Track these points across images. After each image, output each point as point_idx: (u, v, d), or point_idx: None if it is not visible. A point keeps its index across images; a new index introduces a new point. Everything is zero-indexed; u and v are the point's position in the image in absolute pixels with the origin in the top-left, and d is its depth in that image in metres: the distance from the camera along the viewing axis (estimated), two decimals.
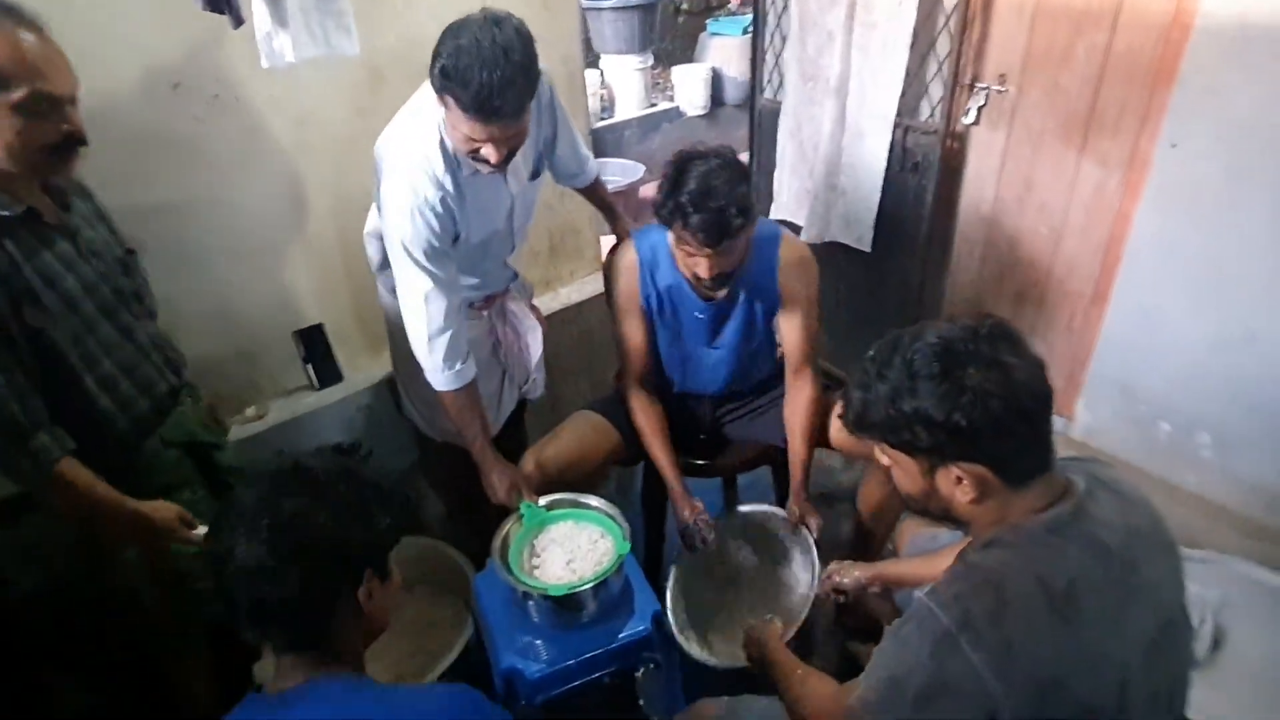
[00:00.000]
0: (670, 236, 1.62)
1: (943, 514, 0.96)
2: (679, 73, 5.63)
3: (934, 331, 0.90)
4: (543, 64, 1.59)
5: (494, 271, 1.84)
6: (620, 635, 1.51)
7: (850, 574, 1.54)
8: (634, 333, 1.83)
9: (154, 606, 1.38)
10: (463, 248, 1.65)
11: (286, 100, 1.80)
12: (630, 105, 5.41)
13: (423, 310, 1.57)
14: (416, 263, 1.53)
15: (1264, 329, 1.84)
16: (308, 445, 1.98)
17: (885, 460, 0.99)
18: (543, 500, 1.67)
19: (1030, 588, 0.85)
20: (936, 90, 2.28)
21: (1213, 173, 1.83)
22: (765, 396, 1.97)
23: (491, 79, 1.30)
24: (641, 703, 1.71)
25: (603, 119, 5.21)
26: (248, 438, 1.94)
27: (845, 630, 1.87)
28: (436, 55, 1.34)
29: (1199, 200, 1.87)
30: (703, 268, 1.59)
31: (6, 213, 1.17)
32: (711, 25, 5.83)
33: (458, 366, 1.63)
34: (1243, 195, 1.79)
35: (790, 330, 1.81)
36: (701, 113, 5.62)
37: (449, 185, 1.51)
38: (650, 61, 5.44)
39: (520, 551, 1.57)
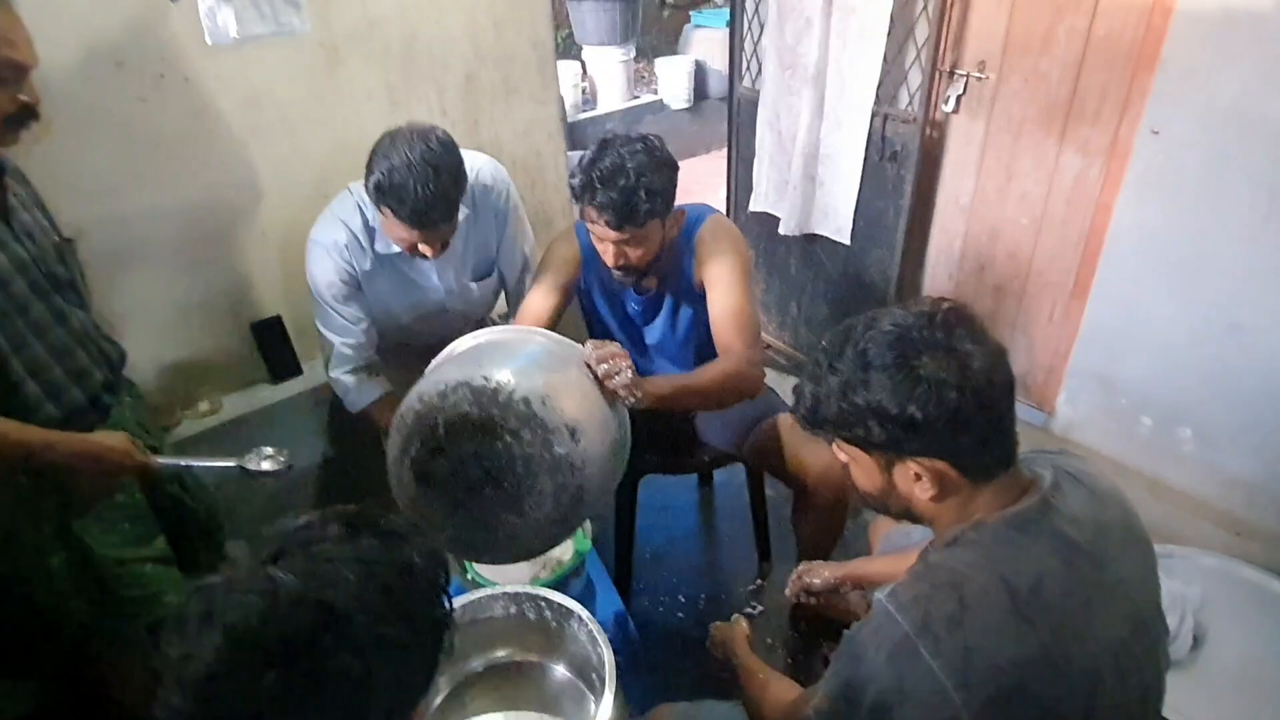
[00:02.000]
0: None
1: (903, 513, 0.91)
2: (662, 65, 5.57)
3: (888, 319, 0.85)
4: (494, 168, 1.78)
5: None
6: None
7: (820, 574, 1.49)
8: (535, 302, 1.66)
9: (82, 615, 1.31)
10: (391, 322, 1.79)
11: (236, 81, 1.73)
12: (613, 98, 5.35)
13: (327, 338, 1.72)
14: (315, 295, 1.68)
15: (1246, 319, 1.80)
16: (263, 441, 1.91)
17: (842, 457, 0.93)
18: None
19: (993, 589, 0.80)
20: (915, 78, 2.22)
21: (1195, 160, 1.78)
22: None
23: (426, 194, 1.43)
24: None
25: (584, 111, 5.15)
26: (200, 433, 1.87)
27: (816, 633, 1.81)
28: (369, 172, 1.47)
29: (1181, 189, 1.82)
30: (609, 254, 1.52)
31: None
32: (696, 17, 5.78)
33: (370, 389, 1.76)
34: (1225, 183, 1.75)
35: (710, 308, 1.62)
36: (685, 105, 5.57)
37: (360, 234, 1.65)
38: (632, 53, 5.38)
39: None
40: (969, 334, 0.82)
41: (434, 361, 1.41)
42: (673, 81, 5.52)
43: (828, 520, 1.69)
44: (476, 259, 1.81)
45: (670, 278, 1.68)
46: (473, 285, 1.83)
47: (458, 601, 1.28)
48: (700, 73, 5.61)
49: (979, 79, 2.13)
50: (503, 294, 1.98)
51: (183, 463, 1.39)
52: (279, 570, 0.62)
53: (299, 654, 0.59)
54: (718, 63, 5.48)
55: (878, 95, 2.25)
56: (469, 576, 1.46)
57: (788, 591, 1.54)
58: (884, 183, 2.37)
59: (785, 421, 1.71)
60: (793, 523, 1.79)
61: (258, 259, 1.92)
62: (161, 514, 1.45)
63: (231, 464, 1.38)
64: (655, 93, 5.65)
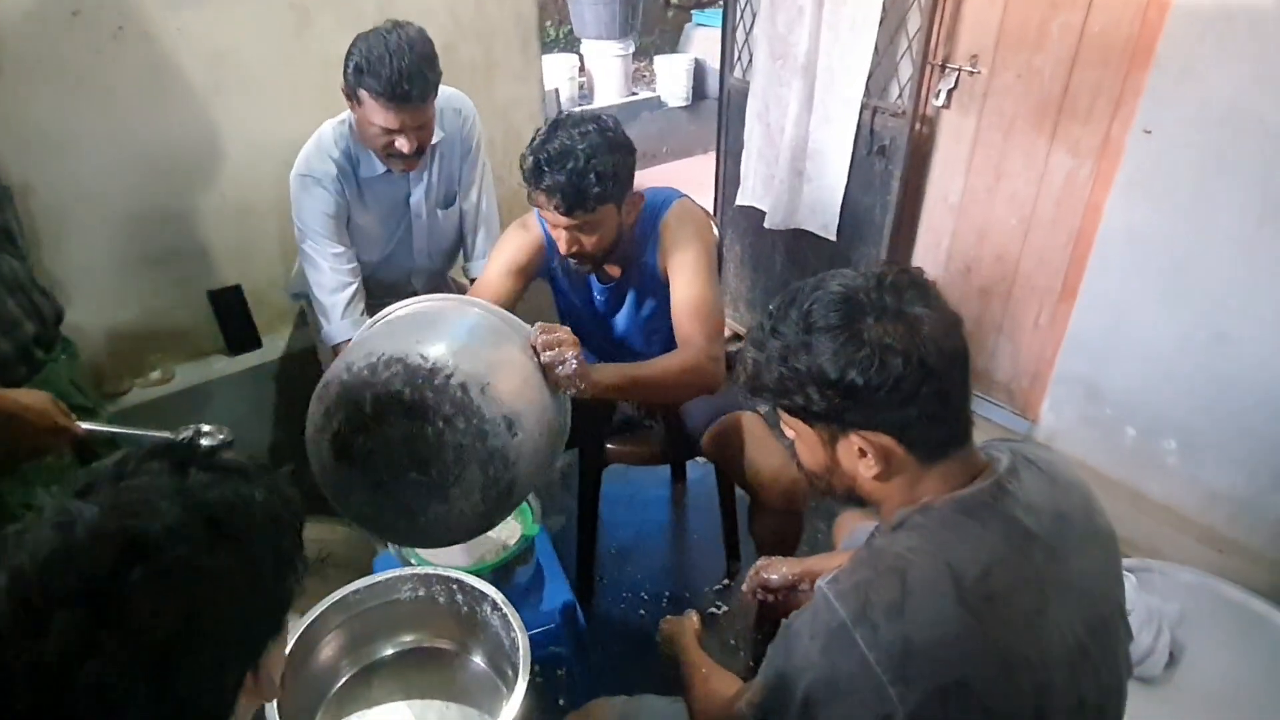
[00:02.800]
0: None
1: (847, 493, 0.85)
2: (661, 62, 5.53)
3: (836, 280, 0.79)
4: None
5: (402, 282, 1.93)
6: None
7: (778, 570, 1.42)
8: (490, 284, 1.59)
9: None
10: (362, 258, 1.78)
11: (199, 37, 1.67)
12: (610, 93, 5.30)
13: (320, 265, 1.69)
14: (309, 229, 1.67)
15: (1234, 329, 1.74)
16: (216, 414, 1.85)
17: (789, 433, 0.87)
18: None
19: (937, 576, 0.73)
20: (906, 70, 2.17)
21: (1187, 161, 1.73)
22: None
23: (401, 66, 1.47)
24: (561, 702, 1.59)
25: (580, 105, 5.09)
26: (150, 401, 1.81)
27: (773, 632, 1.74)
28: (348, 59, 1.51)
29: (1173, 190, 1.77)
30: (562, 241, 1.46)
31: None
32: (697, 16, 5.74)
33: (358, 315, 1.71)
34: (1218, 186, 1.69)
35: (672, 297, 1.55)
36: (683, 104, 5.52)
37: (345, 165, 1.65)
38: (631, 49, 5.33)
39: None
40: (920, 297, 0.76)
41: (368, 323, 1.32)
42: (671, 79, 5.47)
43: (782, 527, 1.62)
44: (444, 188, 1.84)
45: (633, 266, 1.60)
46: (440, 213, 1.86)
47: (362, 582, 1.20)
48: (699, 71, 5.56)
49: (971, 73, 2.08)
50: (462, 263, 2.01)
51: (110, 430, 1.31)
52: (80, 502, 0.56)
53: (96, 592, 0.52)
54: (717, 61, 5.44)
55: (867, 88, 2.19)
56: (413, 562, 1.39)
57: (744, 587, 1.47)
58: (871, 178, 2.31)
59: (744, 420, 1.64)
60: (750, 528, 1.72)
61: (217, 224, 1.86)
62: None
63: (163, 436, 1.31)
64: (654, 90, 5.60)
